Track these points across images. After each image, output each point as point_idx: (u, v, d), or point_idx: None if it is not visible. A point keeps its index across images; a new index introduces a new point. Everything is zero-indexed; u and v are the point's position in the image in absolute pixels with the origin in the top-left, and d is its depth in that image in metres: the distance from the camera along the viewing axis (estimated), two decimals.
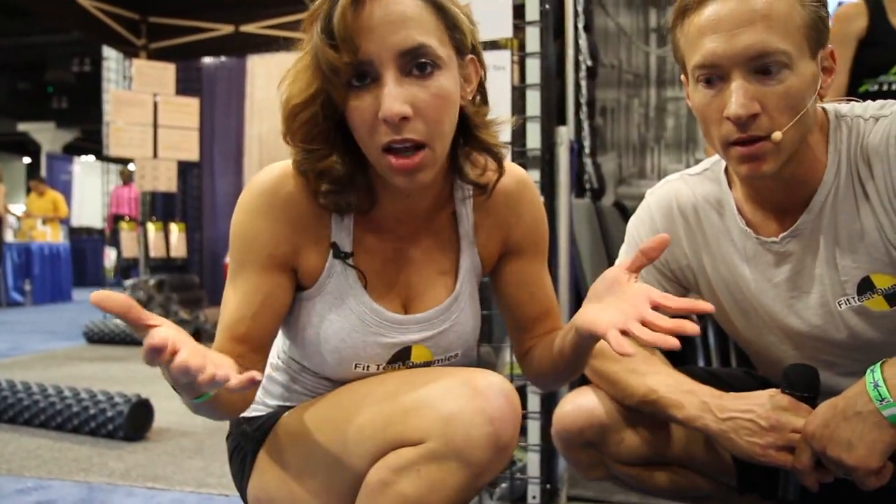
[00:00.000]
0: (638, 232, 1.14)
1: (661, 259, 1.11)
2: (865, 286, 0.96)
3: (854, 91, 2.16)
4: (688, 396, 1.02)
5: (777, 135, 0.88)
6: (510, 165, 0.97)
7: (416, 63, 0.78)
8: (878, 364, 0.88)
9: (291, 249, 0.88)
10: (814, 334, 1.02)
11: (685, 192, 1.10)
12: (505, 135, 1.91)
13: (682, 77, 1.00)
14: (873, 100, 2.16)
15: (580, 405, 1.13)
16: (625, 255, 1.16)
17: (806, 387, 0.96)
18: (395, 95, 0.76)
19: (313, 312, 0.91)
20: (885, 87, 2.11)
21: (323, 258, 0.90)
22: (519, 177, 0.99)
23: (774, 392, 0.97)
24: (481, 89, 0.89)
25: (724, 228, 1.06)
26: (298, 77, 0.81)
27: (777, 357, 1.07)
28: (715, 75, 0.90)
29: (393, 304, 0.93)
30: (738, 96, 0.88)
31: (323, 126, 0.82)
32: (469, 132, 0.89)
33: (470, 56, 0.86)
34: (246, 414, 1.02)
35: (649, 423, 1.12)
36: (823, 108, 0.99)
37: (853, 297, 0.97)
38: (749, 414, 0.96)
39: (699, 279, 1.11)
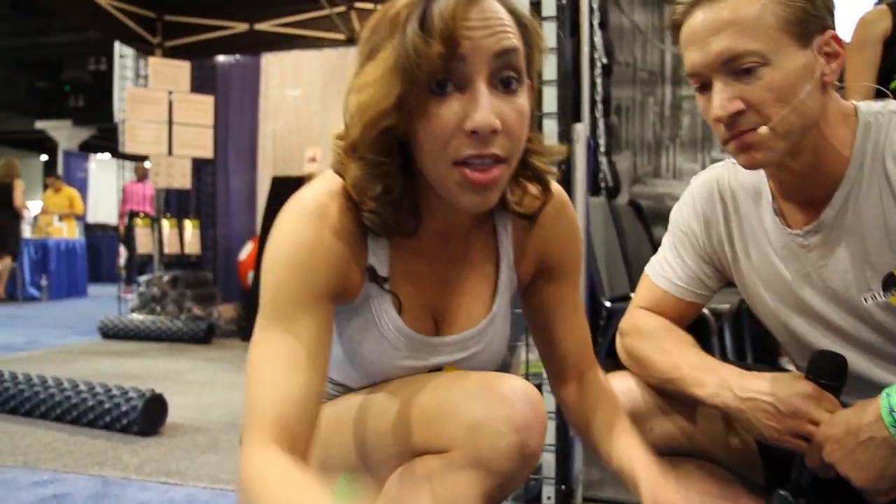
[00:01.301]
0: (681, 214, 1.17)
1: (700, 241, 1.13)
2: (891, 282, 0.95)
3: (885, 87, 2.17)
4: (710, 375, 1.03)
5: (763, 129, 0.90)
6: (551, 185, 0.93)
7: (504, 77, 0.75)
8: (893, 386, 0.87)
9: (340, 276, 0.81)
10: (844, 326, 1.01)
11: (727, 178, 1.12)
12: None
13: None
14: None
15: None
16: (668, 239, 1.18)
17: (831, 375, 0.95)
18: (489, 106, 0.73)
19: (343, 331, 0.88)
20: None
21: (360, 279, 0.84)
22: (558, 193, 0.95)
23: (798, 376, 0.97)
24: (531, 114, 0.85)
25: (758, 217, 1.07)
26: (380, 83, 0.74)
27: (811, 342, 1.06)
28: (701, 83, 0.94)
29: (426, 325, 0.90)
30: (717, 99, 0.91)
31: (394, 136, 0.76)
32: (523, 158, 0.84)
33: (529, 81, 0.82)
34: None
35: (679, 413, 1.12)
36: (855, 105, 0.98)
37: (878, 293, 0.96)
38: (770, 397, 0.96)
39: (734, 263, 1.12)
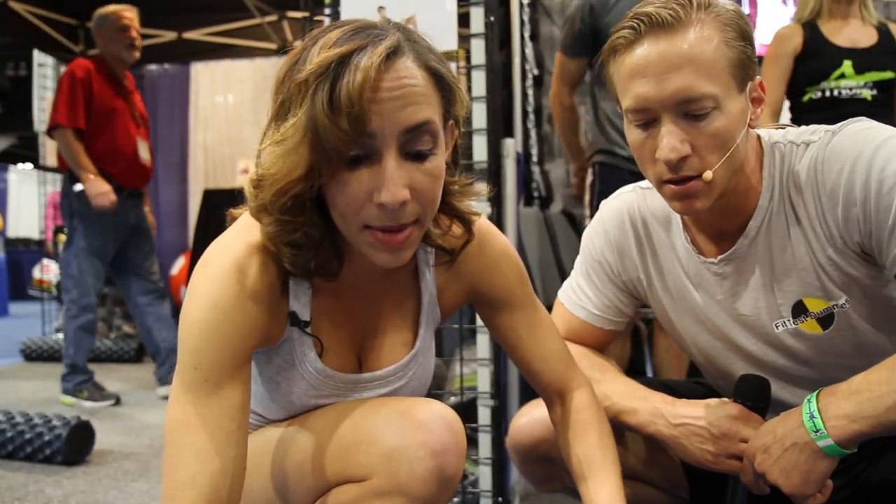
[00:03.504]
0: (592, 242, 1.16)
1: (615, 270, 1.14)
2: (799, 309, 0.99)
3: (800, 100, 2.29)
4: (641, 402, 1.05)
5: (708, 174, 0.90)
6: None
7: (416, 149, 0.73)
8: (815, 394, 0.91)
9: (262, 330, 0.80)
10: (755, 351, 1.05)
11: (637, 205, 1.12)
12: None
13: (618, 108, 1.00)
14: (819, 106, 2.29)
15: (536, 418, 1.14)
16: (581, 266, 1.18)
17: (757, 397, 0.99)
18: (397, 180, 0.72)
19: (262, 371, 0.87)
20: (827, 94, 2.26)
21: (282, 324, 0.84)
22: (480, 228, 0.94)
23: (726, 400, 1.00)
24: (454, 153, 0.86)
25: (671, 244, 1.08)
26: (290, 153, 0.72)
27: (725, 365, 1.09)
28: (646, 118, 0.92)
29: (349, 363, 0.90)
30: (668, 140, 0.89)
31: (306, 198, 0.76)
32: (443, 199, 0.84)
33: (451, 122, 0.82)
34: None
35: None
36: (758, 135, 1.00)
37: (788, 320, 1.00)
38: (701, 421, 0.99)
39: (649, 291, 1.13)
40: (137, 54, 3.28)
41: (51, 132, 3.11)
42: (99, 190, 3.01)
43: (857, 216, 0.89)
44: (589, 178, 2.50)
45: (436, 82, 0.76)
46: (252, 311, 0.77)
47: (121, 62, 3.23)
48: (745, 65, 0.91)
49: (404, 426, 0.79)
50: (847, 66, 2.24)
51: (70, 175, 3.10)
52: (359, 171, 0.73)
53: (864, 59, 2.24)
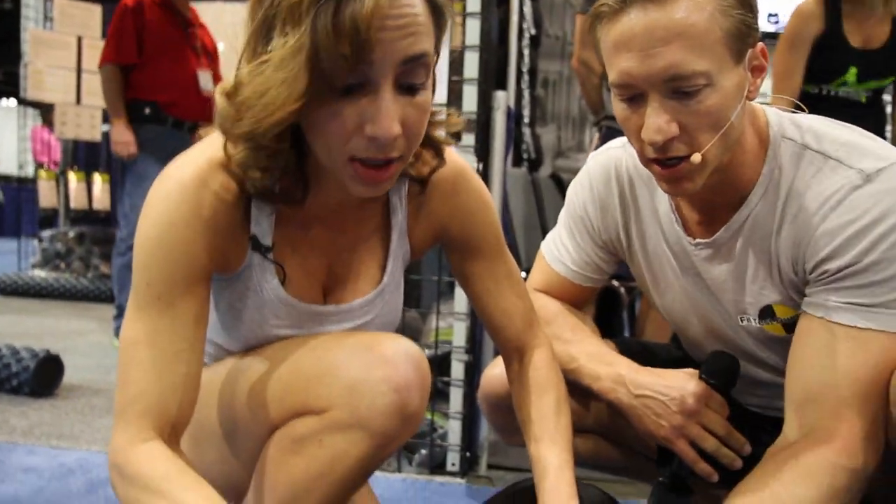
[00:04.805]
0: (577, 196, 1.12)
1: (596, 227, 1.10)
2: (767, 313, 0.95)
3: (815, 87, 2.24)
4: (605, 368, 1.02)
5: (696, 157, 0.83)
6: (449, 154, 0.89)
7: (410, 82, 0.69)
8: None
9: (220, 253, 0.77)
10: (722, 331, 1.03)
11: (624, 162, 1.07)
12: (441, 97, 1.88)
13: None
14: (814, 99, 2.21)
15: None
16: (564, 218, 1.15)
17: (723, 377, 0.97)
18: (392, 114, 0.68)
19: (221, 298, 0.84)
20: (823, 93, 2.21)
21: (243, 250, 0.80)
22: (456, 167, 0.91)
23: (692, 374, 0.98)
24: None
25: (653, 206, 1.04)
26: (288, 80, 0.66)
27: (695, 335, 1.07)
28: (632, 94, 0.85)
29: (313, 294, 0.87)
30: (653, 120, 0.82)
31: (286, 126, 0.70)
32: None
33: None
34: None
35: (575, 391, 1.12)
36: (767, 118, 0.92)
37: (754, 318, 0.97)
38: (662, 395, 0.97)
39: (628, 251, 1.11)
40: None
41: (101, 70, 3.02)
42: (122, 138, 2.92)
43: (828, 268, 0.84)
44: (595, 143, 2.47)
45: (433, 13, 0.71)
46: (208, 228, 0.74)
47: None
48: (744, 34, 0.82)
49: (368, 360, 0.77)
50: (851, 73, 2.18)
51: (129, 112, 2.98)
52: (352, 100, 0.68)
53: (869, 67, 2.18)
